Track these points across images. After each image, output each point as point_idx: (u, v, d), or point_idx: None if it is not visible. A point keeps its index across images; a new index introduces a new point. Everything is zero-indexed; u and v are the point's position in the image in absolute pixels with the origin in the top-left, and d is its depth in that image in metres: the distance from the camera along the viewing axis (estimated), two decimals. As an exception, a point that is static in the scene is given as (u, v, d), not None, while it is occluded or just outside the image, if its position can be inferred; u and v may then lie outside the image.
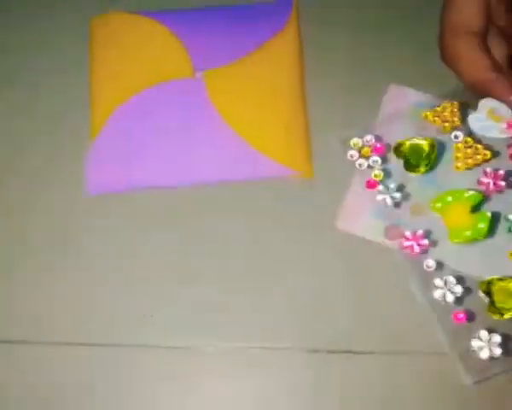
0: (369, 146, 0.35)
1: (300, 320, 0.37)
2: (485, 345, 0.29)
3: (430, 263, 0.32)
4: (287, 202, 0.39)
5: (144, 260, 0.38)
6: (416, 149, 0.34)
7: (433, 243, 0.34)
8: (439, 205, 0.33)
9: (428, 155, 0.34)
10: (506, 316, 0.31)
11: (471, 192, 0.32)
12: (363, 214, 0.37)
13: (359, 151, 0.35)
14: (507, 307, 0.31)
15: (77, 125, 0.40)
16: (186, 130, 0.39)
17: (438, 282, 0.31)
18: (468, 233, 0.32)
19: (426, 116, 0.34)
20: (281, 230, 0.38)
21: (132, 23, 0.42)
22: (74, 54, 0.42)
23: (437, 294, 0.31)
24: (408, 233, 0.33)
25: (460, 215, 0.32)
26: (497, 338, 0.30)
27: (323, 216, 0.38)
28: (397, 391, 0.35)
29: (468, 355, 0.32)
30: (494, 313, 0.31)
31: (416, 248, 0.32)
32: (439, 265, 0.33)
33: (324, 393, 0.36)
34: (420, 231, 0.32)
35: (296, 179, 0.39)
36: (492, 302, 0.31)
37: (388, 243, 0.36)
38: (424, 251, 0.33)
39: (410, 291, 0.36)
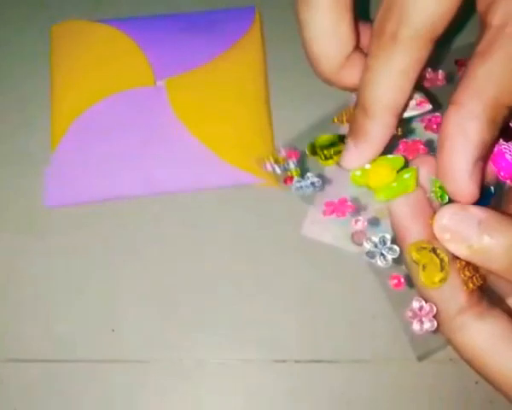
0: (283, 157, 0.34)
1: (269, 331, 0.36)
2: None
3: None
4: (253, 210, 0.38)
5: (109, 273, 0.37)
6: (325, 141, 0.33)
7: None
8: (358, 173, 0.29)
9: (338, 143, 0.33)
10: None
11: (392, 156, 0.31)
12: (327, 223, 0.37)
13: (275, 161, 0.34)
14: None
15: (37, 136, 0.39)
16: (147, 139, 0.39)
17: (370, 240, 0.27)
18: (395, 184, 0.29)
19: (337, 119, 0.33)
20: (246, 239, 0.38)
21: (93, 31, 0.41)
22: (37, 62, 0.41)
23: (367, 252, 0.26)
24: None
25: (383, 174, 0.30)
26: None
27: (288, 224, 0.38)
28: (365, 399, 0.35)
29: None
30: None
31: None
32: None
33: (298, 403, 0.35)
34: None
35: (262, 187, 0.39)
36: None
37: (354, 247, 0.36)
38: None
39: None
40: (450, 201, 0.25)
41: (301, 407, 0.35)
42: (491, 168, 0.27)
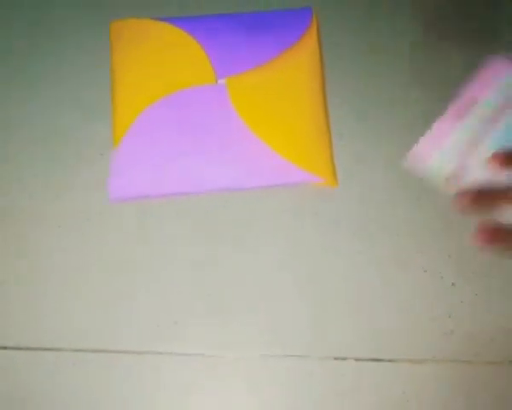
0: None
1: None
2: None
3: None
4: (310, 209, 0.39)
5: (169, 266, 0.37)
6: None
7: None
8: None
9: None
10: None
11: None
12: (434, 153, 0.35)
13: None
14: None
15: (99, 133, 0.40)
16: (209, 136, 0.39)
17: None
18: None
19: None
20: (302, 237, 0.38)
21: (153, 28, 0.41)
22: (96, 59, 0.41)
23: None
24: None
25: None
26: None
27: (346, 224, 0.38)
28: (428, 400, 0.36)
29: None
30: None
31: None
32: None
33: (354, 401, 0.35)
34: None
35: (320, 187, 0.39)
36: None
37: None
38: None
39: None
40: None
41: (360, 404, 0.36)
42: None
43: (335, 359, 0.36)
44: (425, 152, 0.35)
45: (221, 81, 0.40)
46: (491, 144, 0.34)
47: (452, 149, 0.34)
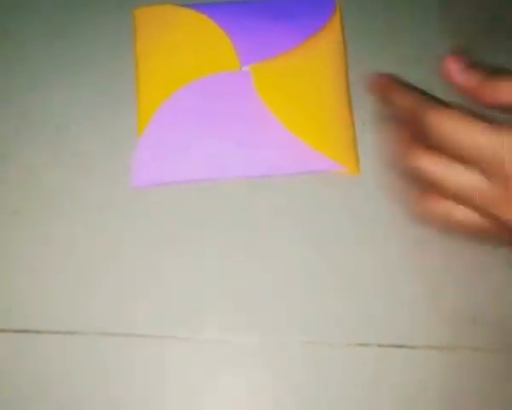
0: None
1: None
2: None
3: None
4: (333, 197, 0.39)
5: (189, 254, 0.38)
6: None
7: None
8: None
9: None
10: None
11: None
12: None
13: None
14: None
15: (124, 120, 0.40)
16: (233, 123, 0.39)
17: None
18: None
19: None
20: (327, 226, 0.38)
21: (177, 15, 0.42)
22: (120, 46, 0.42)
23: None
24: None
25: None
26: None
27: (368, 212, 0.38)
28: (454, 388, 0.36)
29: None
30: None
31: None
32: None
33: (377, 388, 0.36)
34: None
35: (343, 175, 0.39)
36: None
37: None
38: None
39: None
40: None
41: (382, 391, 0.36)
42: None
43: (358, 345, 0.37)
44: None
45: (245, 68, 0.40)
46: None
47: None
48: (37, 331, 0.37)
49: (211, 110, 0.40)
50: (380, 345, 0.36)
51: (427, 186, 0.34)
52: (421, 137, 0.34)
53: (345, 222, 0.38)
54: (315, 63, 0.41)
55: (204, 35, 0.41)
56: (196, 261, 0.38)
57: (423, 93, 0.36)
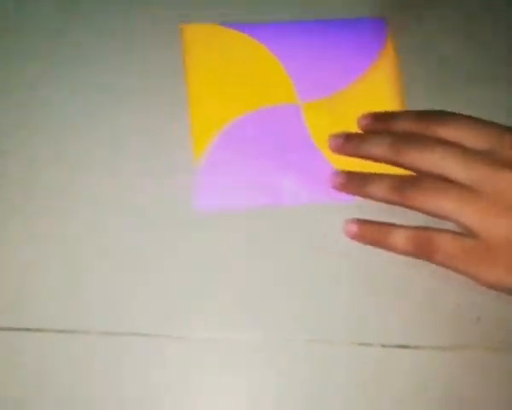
0: None
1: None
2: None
3: None
4: None
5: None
6: None
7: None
8: None
9: None
10: None
11: None
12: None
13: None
14: None
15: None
16: (286, 155, 0.40)
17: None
18: None
19: None
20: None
21: (226, 38, 0.42)
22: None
23: None
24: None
25: None
26: None
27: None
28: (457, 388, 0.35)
29: None
30: None
31: None
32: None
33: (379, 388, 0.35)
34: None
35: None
36: None
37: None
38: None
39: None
40: None
41: (385, 391, 0.35)
42: None
43: (361, 344, 0.36)
44: None
45: (300, 103, 0.42)
46: None
47: None
48: (37, 330, 0.37)
49: (266, 141, 0.41)
50: (383, 345, 0.36)
51: None
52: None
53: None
54: (371, 98, 0.41)
55: (257, 63, 0.42)
56: (196, 260, 0.38)
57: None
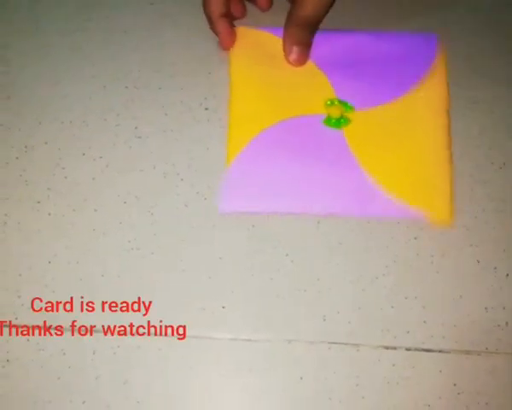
0: None
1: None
2: None
3: None
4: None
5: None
6: None
7: None
8: None
9: None
10: None
11: None
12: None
13: None
14: None
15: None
16: (319, 165, 0.40)
17: None
18: None
19: None
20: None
21: (273, 45, 0.42)
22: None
23: None
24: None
25: None
26: None
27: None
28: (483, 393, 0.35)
29: None
30: None
31: None
32: None
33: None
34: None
35: (433, 226, 0.38)
36: None
37: None
38: None
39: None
40: None
41: (410, 395, 0.35)
42: None
43: (386, 348, 0.36)
44: None
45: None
46: None
47: None
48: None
49: (298, 149, 0.40)
50: (408, 349, 0.36)
51: None
52: None
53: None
54: (416, 114, 0.40)
55: (302, 71, 0.42)
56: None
57: None
